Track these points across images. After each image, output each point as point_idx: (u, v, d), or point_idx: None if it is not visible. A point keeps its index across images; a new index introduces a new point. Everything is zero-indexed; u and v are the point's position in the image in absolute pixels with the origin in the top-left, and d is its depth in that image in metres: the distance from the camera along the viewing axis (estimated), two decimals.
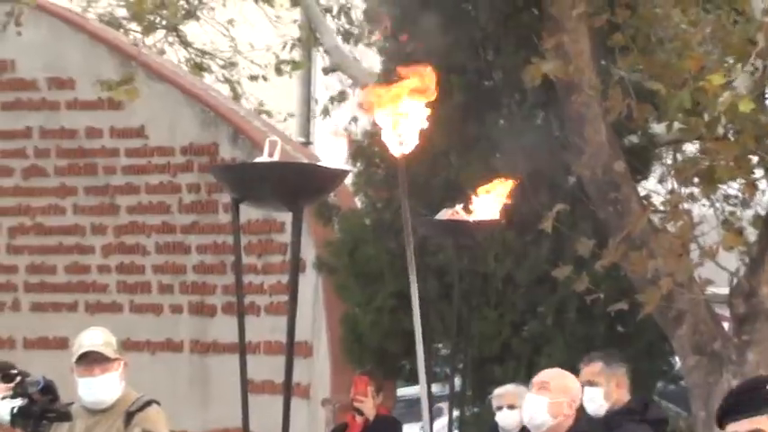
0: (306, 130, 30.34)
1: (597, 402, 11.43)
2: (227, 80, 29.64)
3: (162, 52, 28.34)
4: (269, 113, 29.57)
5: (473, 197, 12.81)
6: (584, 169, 15.37)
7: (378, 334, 18.16)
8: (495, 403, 14.66)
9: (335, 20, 25.13)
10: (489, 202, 12.78)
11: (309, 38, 24.86)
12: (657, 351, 17.61)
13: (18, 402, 9.57)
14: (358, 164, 17.56)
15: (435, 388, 17.60)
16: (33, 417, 9.52)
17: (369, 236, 18.45)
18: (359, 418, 16.15)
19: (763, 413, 5.52)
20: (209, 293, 19.22)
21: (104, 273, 20.11)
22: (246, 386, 10.26)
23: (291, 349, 10.32)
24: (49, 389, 9.54)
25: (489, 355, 16.98)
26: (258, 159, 10.46)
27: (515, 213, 14.24)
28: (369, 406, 16.35)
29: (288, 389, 10.23)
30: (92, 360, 9.84)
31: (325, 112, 24.84)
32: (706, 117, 14.49)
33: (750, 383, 6.07)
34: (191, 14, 25.34)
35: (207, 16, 28.48)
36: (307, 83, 31.62)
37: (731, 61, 14.90)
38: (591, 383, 11.39)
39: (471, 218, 12.38)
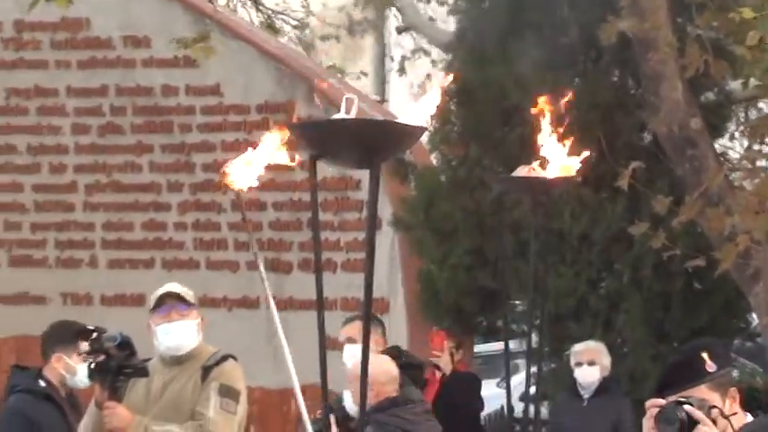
0: (381, 88, 30.25)
1: None
2: (299, 40, 29.83)
3: (234, 12, 28.28)
4: (342, 71, 29.36)
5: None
6: (661, 126, 15.13)
7: (454, 291, 18.12)
8: (573, 359, 15.22)
9: None
10: (566, 159, 11.25)
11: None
12: (734, 308, 17.51)
13: (96, 358, 9.80)
14: (433, 121, 16.92)
15: (512, 344, 17.72)
16: (110, 372, 9.70)
17: (444, 193, 18.43)
18: (437, 374, 16.63)
19: (697, 384, 6.17)
20: (285, 250, 19.14)
21: (180, 230, 20.19)
22: (324, 343, 9.18)
23: (369, 307, 9.25)
24: (126, 344, 9.75)
25: (566, 312, 17.01)
26: (335, 116, 10.51)
27: (592, 171, 13.85)
28: (446, 361, 16.98)
29: (366, 346, 9.15)
30: (170, 307, 10.09)
31: (401, 70, 24.92)
32: None
33: (685, 356, 6.71)
34: None
35: None
36: (381, 41, 31.76)
37: None
38: None
39: (547, 175, 10.90)
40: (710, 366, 6.29)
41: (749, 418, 6.49)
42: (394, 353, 11.54)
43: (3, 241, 20.93)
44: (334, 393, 10.48)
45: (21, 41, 20.60)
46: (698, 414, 5.94)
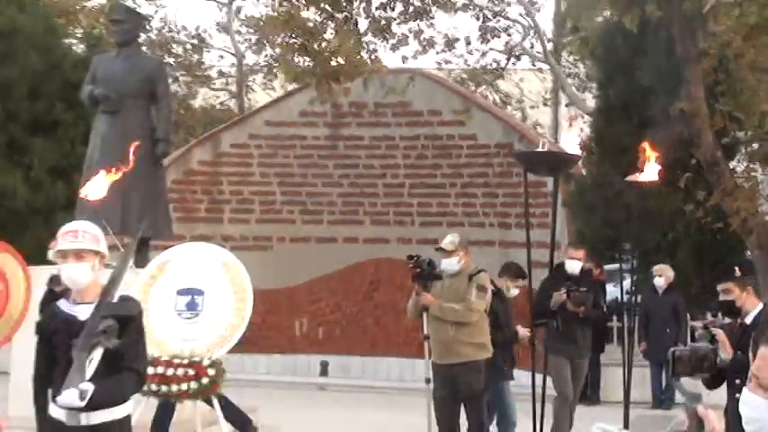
0: (555, 135, 30.10)
1: None
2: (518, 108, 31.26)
3: (485, 96, 28.04)
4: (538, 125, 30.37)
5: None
6: (701, 155, 16.93)
7: (596, 238, 19.53)
8: (653, 273, 17.01)
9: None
10: (653, 172, 11.06)
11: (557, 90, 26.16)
12: (736, 250, 18.72)
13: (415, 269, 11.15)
14: (583, 152, 17.99)
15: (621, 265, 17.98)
16: (424, 277, 11.07)
17: (589, 188, 20.17)
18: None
19: (729, 281, 7.82)
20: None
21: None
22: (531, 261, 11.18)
23: (553, 249, 11.35)
24: (431, 264, 11.18)
25: (651, 250, 18.46)
26: (538, 149, 11.92)
27: (665, 176, 12.57)
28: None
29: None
30: (447, 252, 11.27)
31: (569, 125, 26.39)
32: None
33: (726, 265, 8.42)
34: None
35: None
36: (555, 111, 31.82)
37: None
38: None
39: (643, 179, 11.16)
40: (737, 272, 7.86)
41: (760, 306, 7.78)
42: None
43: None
44: None
45: (378, 113, 21.06)
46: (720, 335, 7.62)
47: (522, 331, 13.10)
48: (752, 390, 2.87)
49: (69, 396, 5.93)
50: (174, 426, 12.24)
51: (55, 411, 6.13)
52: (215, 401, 11.25)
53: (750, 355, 3.54)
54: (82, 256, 6.29)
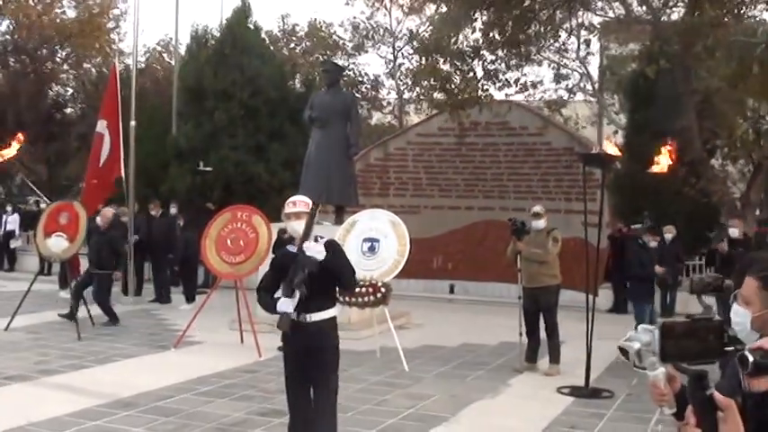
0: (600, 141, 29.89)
1: None
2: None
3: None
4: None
5: None
6: (694, 156, 16.59)
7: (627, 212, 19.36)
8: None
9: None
10: (664, 163, 11.28)
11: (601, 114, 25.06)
12: (717, 219, 17.91)
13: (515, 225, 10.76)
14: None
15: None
16: (519, 232, 10.67)
17: (621, 173, 19.92)
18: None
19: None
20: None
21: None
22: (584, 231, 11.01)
23: (600, 226, 11.27)
24: (522, 223, 10.77)
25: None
26: (592, 152, 12.40)
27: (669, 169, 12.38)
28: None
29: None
30: (537, 216, 10.89)
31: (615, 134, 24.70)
32: None
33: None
34: None
35: None
36: (600, 123, 30.35)
37: None
38: None
39: (655, 170, 11.46)
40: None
41: None
42: None
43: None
44: None
45: (488, 128, 20.20)
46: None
47: (660, 269, 13.87)
48: (738, 304, 2.71)
49: (285, 304, 5.84)
50: (359, 323, 12.54)
51: (287, 308, 5.86)
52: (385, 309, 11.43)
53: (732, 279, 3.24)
54: (299, 216, 6.15)
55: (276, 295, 6.00)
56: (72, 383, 9.51)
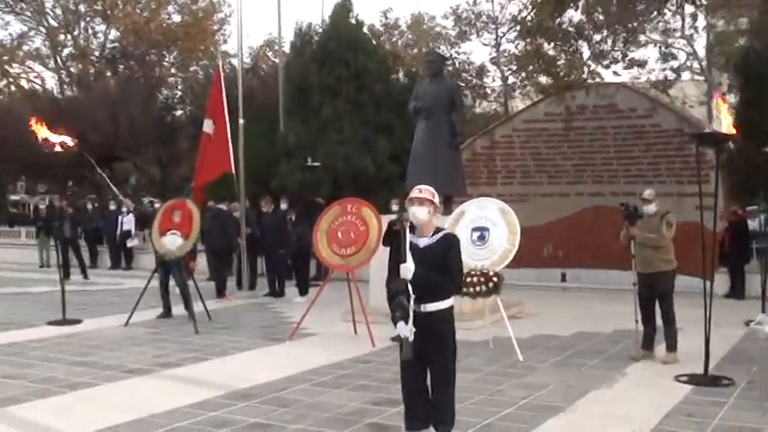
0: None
1: None
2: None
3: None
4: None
5: None
6: None
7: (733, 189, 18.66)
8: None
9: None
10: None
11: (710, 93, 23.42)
12: None
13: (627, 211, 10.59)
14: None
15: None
16: (631, 217, 10.53)
17: (735, 152, 19.33)
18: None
19: None
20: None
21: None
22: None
23: (716, 206, 10.06)
24: (636, 208, 10.59)
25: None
26: (705, 131, 11.33)
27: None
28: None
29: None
30: (648, 200, 10.60)
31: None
32: None
33: None
34: None
35: None
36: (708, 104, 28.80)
37: None
38: None
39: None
40: None
41: None
42: None
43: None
44: None
45: (595, 111, 20.01)
46: None
47: None
48: None
49: (403, 327, 5.79)
50: (472, 313, 12.51)
51: (406, 332, 5.82)
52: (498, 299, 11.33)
53: None
54: (422, 203, 6.20)
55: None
56: (190, 376, 9.74)
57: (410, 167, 14.59)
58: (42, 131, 13.28)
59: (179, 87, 37.61)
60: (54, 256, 22.17)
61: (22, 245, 28.65)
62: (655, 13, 17.53)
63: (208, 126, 17.88)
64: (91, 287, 20.16)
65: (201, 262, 20.07)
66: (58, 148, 13.45)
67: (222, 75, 18.47)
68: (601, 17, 16.71)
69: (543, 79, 19.16)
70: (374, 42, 27.96)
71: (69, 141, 13.55)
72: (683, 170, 18.56)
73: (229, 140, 17.57)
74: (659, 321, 10.60)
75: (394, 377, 7.86)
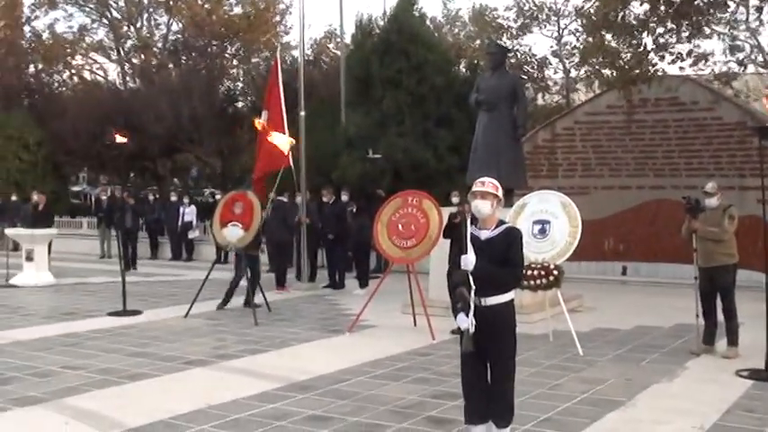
0: None
1: None
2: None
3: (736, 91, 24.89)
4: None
5: None
6: None
7: None
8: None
9: None
10: None
11: None
12: None
13: (689, 204, 10.47)
14: None
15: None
16: (693, 210, 10.38)
17: None
18: None
19: None
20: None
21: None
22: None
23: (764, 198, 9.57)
24: (697, 201, 10.48)
25: None
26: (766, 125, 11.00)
27: None
28: None
29: None
30: (710, 194, 10.51)
31: None
32: None
33: None
34: None
35: None
36: None
37: None
38: None
39: None
40: None
41: None
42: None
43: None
44: None
45: (657, 104, 20.07)
46: None
47: None
48: None
49: (463, 319, 5.76)
50: (532, 306, 12.53)
51: (466, 324, 5.79)
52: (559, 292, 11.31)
53: None
54: (484, 197, 6.09)
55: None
56: (249, 367, 9.78)
57: (471, 160, 14.58)
58: (120, 138, 14.16)
59: (241, 79, 37.85)
60: (115, 246, 22.86)
61: (84, 236, 28.88)
62: (719, 5, 17.21)
63: (264, 118, 17.71)
64: (151, 278, 20.28)
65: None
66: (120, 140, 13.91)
67: (280, 66, 18.37)
68: (664, 8, 16.53)
69: (607, 71, 19.00)
70: (436, 35, 27.91)
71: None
72: (744, 163, 18.49)
73: (286, 133, 17.56)
74: (720, 316, 10.52)
75: (453, 370, 7.89)
